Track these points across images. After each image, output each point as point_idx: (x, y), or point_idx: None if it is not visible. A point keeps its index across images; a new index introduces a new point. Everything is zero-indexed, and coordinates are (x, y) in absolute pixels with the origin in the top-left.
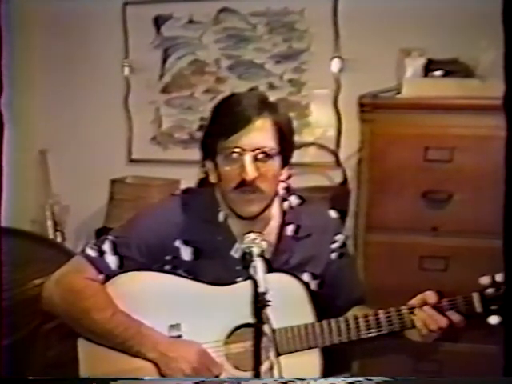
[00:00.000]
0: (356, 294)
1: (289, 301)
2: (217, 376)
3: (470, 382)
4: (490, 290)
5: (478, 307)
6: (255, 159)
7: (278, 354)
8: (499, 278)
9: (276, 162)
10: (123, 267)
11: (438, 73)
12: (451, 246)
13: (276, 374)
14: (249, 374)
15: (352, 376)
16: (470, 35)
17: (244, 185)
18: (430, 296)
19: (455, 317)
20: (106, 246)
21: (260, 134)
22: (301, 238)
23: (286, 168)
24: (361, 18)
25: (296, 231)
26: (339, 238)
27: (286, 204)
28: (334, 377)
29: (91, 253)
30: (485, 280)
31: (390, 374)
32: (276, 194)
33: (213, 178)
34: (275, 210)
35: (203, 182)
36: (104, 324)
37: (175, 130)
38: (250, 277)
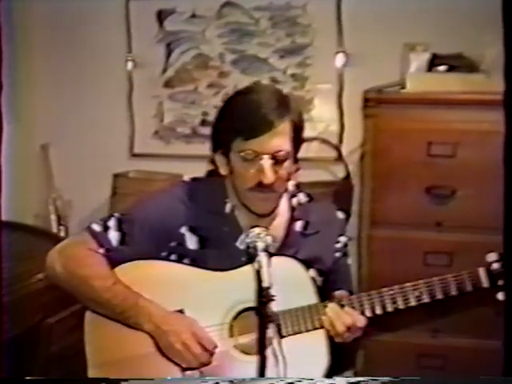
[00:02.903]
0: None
1: (291, 283)
2: (211, 353)
3: (471, 382)
4: (496, 265)
5: (485, 282)
6: (273, 162)
7: (282, 337)
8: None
9: (290, 161)
10: (124, 243)
11: (442, 68)
12: (455, 242)
13: (279, 355)
14: (253, 359)
15: (356, 372)
16: (475, 30)
17: (261, 186)
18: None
19: (357, 316)
20: (111, 222)
21: (281, 138)
22: (309, 235)
23: (295, 163)
24: (364, 12)
25: (305, 227)
26: (342, 239)
27: (294, 200)
28: (339, 375)
29: (96, 227)
30: (492, 257)
31: (393, 369)
32: (286, 189)
33: (223, 171)
34: (283, 206)
35: (212, 174)
36: (103, 292)
37: (178, 125)
38: (251, 261)
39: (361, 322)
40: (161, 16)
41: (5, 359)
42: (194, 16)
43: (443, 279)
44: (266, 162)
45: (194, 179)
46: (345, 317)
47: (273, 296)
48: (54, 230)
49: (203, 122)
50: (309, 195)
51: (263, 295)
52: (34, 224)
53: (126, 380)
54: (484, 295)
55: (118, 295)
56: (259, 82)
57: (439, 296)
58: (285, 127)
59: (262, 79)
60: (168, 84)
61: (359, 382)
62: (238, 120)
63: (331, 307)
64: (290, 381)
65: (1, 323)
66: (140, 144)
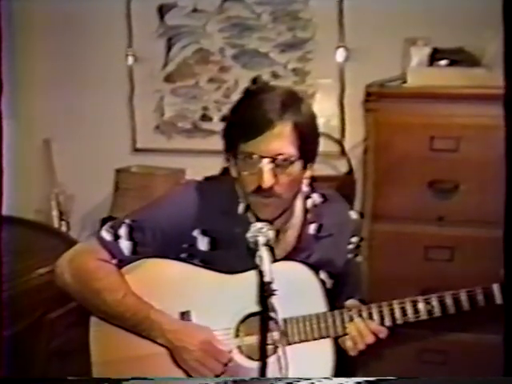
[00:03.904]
0: (357, 295)
1: (300, 288)
2: (225, 365)
3: (471, 382)
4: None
5: (499, 298)
6: (273, 166)
7: (289, 344)
8: None
9: (296, 166)
10: (137, 253)
11: (443, 62)
12: (457, 236)
13: (283, 362)
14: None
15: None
16: (476, 24)
17: (261, 190)
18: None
19: (379, 328)
20: (122, 231)
21: (279, 140)
22: (322, 237)
23: (310, 167)
24: (365, 6)
25: (318, 230)
26: (355, 240)
27: (309, 202)
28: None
29: (106, 236)
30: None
31: (395, 364)
32: (297, 194)
33: (233, 173)
34: (297, 207)
35: (226, 171)
36: (115, 306)
37: (178, 120)
38: (252, 256)
39: (383, 333)
40: (162, 10)
41: (5, 354)
42: (195, 10)
43: (455, 294)
44: (265, 165)
45: (207, 179)
46: (368, 336)
47: (274, 290)
48: (56, 225)
49: (204, 117)
50: (323, 195)
51: (264, 289)
52: (35, 219)
53: (127, 380)
54: None
55: (129, 309)
56: (260, 76)
57: (451, 311)
58: (284, 129)
59: (263, 74)
60: (169, 79)
61: (360, 381)
62: (241, 122)
63: (355, 324)
64: (288, 381)
65: (1, 318)
66: (142, 139)
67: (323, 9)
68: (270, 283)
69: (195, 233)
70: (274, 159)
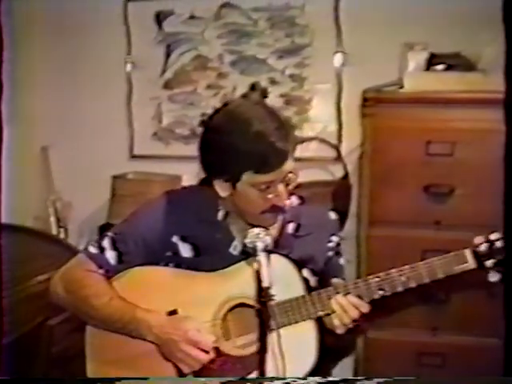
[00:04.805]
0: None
1: (281, 279)
2: (208, 352)
3: (470, 382)
4: (483, 246)
5: (472, 263)
6: (285, 185)
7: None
8: (494, 236)
9: (297, 177)
10: (123, 262)
11: (440, 67)
12: (454, 240)
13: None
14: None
15: (356, 368)
16: (473, 29)
17: (274, 208)
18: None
19: (360, 302)
20: (106, 243)
21: (291, 161)
22: (301, 236)
23: None
24: (362, 12)
25: (296, 229)
26: (334, 238)
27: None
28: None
29: (92, 250)
30: (478, 239)
31: (393, 367)
32: None
33: (222, 193)
34: None
35: (205, 182)
36: (102, 310)
37: (176, 126)
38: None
39: (365, 307)
40: (159, 17)
41: (6, 361)
42: (192, 17)
43: (429, 262)
44: (282, 187)
45: (184, 188)
46: (351, 310)
47: (272, 295)
48: (54, 231)
49: (202, 123)
50: (301, 198)
51: (263, 295)
52: (33, 226)
53: (119, 379)
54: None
55: (116, 311)
56: (258, 82)
57: (426, 280)
58: (292, 152)
59: (261, 80)
60: (167, 85)
61: (354, 381)
62: (248, 154)
63: (336, 300)
64: (286, 381)
65: (1, 325)
66: (139, 145)
67: (320, 14)
68: (268, 288)
69: (174, 239)
70: (286, 179)
